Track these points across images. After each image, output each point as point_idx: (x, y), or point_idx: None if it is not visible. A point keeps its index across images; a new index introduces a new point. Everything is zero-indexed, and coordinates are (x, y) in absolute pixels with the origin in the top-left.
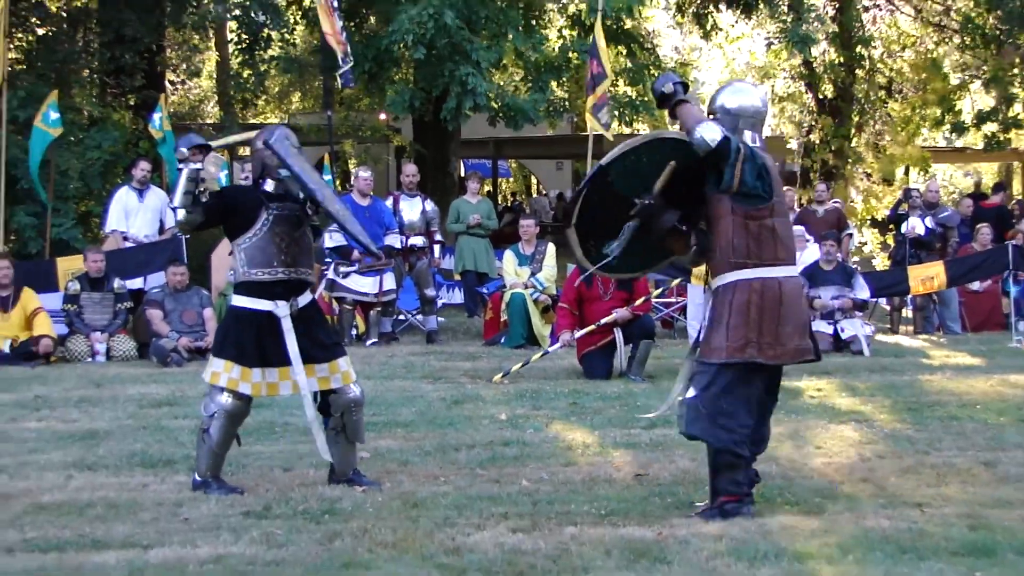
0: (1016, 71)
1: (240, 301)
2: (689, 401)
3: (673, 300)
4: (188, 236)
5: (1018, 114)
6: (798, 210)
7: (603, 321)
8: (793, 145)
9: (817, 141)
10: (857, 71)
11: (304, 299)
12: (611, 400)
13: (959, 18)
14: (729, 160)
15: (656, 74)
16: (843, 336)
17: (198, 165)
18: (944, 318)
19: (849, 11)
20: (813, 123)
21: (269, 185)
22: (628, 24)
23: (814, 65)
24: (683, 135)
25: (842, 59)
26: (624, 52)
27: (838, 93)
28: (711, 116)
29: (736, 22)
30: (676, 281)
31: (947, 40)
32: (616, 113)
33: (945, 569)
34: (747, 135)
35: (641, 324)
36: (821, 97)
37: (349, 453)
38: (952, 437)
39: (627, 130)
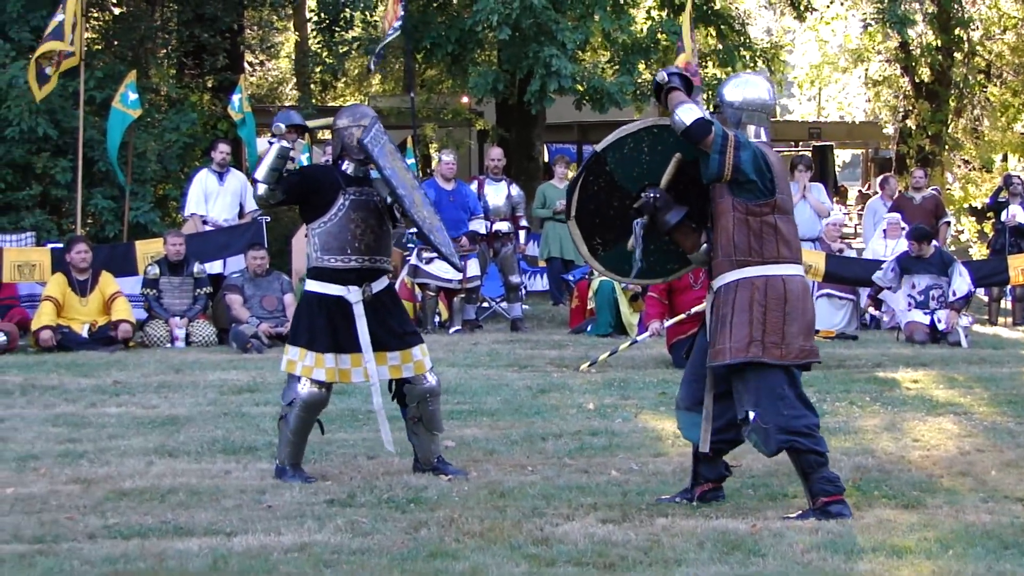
0: None
1: (312, 286)
2: (753, 424)
3: None
4: (268, 219)
5: None
6: (895, 198)
7: (693, 310)
8: (889, 130)
9: (913, 127)
10: (955, 54)
11: (379, 285)
12: None
13: None
14: (716, 146)
15: (747, 55)
16: (939, 327)
17: (290, 144)
18: None
19: None
20: (909, 108)
21: (348, 167)
22: (719, 4)
23: (911, 48)
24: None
25: (940, 42)
26: (714, 33)
27: (935, 77)
28: (715, 110)
29: (831, 3)
30: None
31: None
32: (706, 96)
33: None
34: (751, 129)
35: None
36: (918, 81)
37: (430, 442)
38: None
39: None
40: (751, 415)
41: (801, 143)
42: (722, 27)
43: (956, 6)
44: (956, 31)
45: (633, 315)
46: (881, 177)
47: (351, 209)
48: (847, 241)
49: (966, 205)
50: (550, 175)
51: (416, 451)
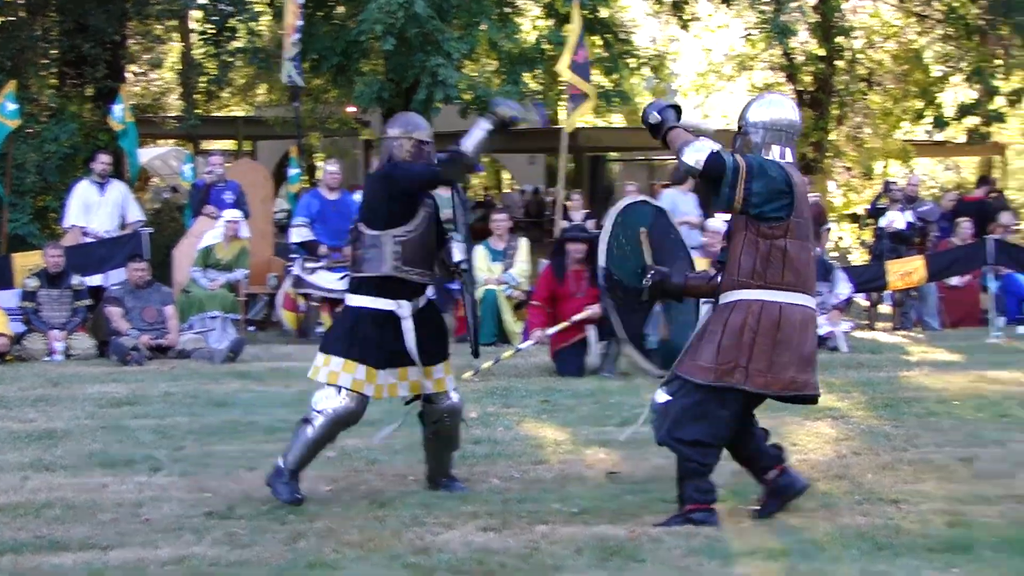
0: (999, 63)
1: (363, 301)
2: (659, 407)
3: None
4: (151, 231)
5: (1000, 107)
6: None
7: (576, 318)
8: None
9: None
10: (837, 62)
11: (423, 300)
12: (584, 397)
13: (942, 8)
14: (726, 180)
15: (631, 64)
16: (820, 333)
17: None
18: (922, 313)
19: (830, 1)
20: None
21: None
22: (604, 13)
23: (793, 56)
24: (631, 199)
25: (822, 50)
26: (600, 42)
27: (818, 85)
28: (739, 130)
29: (715, 12)
30: None
31: (929, 31)
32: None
33: (922, 566)
34: (775, 149)
35: None
36: (800, 89)
37: (446, 459)
38: (929, 433)
39: (601, 122)
40: (663, 397)
41: None
42: (607, 36)
43: (838, 15)
44: (838, 40)
45: (517, 323)
46: None
47: (427, 221)
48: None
49: (847, 212)
50: None
51: (428, 465)
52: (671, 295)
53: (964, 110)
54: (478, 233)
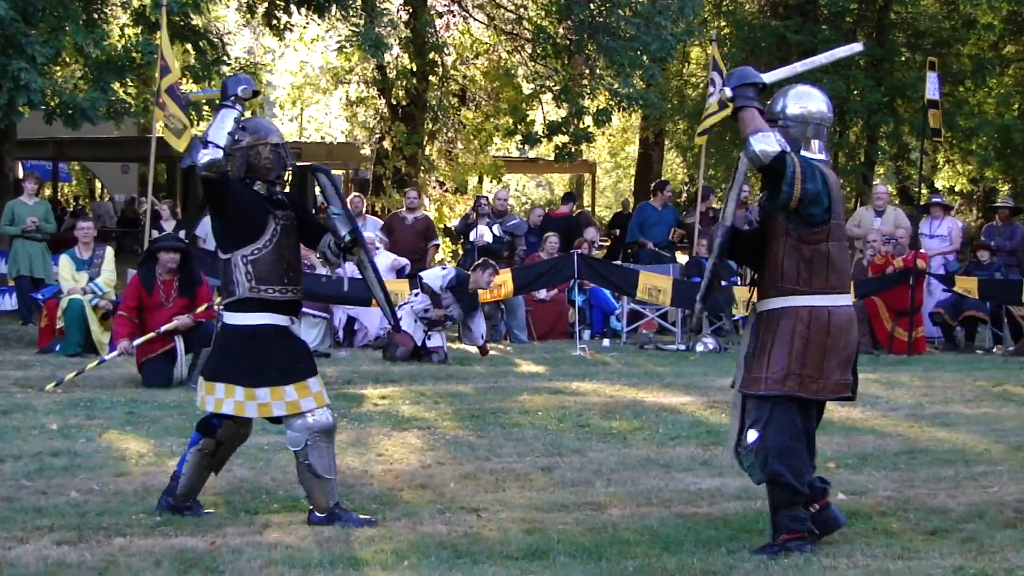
0: (586, 82)
1: (257, 319)
2: (752, 446)
3: None
4: None
5: (588, 127)
6: (387, 218)
7: (163, 328)
8: (366, 151)
9: (390, 148)
10: (430, 77)
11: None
12: (170, 409)
13: (531, 27)
14: (787, 178)
15: (227, 73)
16: (428, 344)
17: (242, 112)
18: (511, 326)
19: (422, 16)
20: (386, 130)
21: (261, 188)
22: (196, 21)
23: (387, 70)
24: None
25: (415, 65)
26: (191, 49)
27: (411, 99)
28: (775, 123)
29: (308, 23)
30: None
31: (520, 49)
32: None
33: (499, 572)
34: (815, 144)
35: (203, 331)
36: (394, 103)
37: (205, 478)
38: (513, 443)
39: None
40: (753, 435)
41: None
42: (200, 43)
43: (430, 31)
44: (431, 55)
45: (104, 334)
46: (353, 195)
47: (283, 235)
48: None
49: (441, 226)
50: (20, 191)
51: (182, 484)
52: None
53: (553, 128)
54: (68, 243)
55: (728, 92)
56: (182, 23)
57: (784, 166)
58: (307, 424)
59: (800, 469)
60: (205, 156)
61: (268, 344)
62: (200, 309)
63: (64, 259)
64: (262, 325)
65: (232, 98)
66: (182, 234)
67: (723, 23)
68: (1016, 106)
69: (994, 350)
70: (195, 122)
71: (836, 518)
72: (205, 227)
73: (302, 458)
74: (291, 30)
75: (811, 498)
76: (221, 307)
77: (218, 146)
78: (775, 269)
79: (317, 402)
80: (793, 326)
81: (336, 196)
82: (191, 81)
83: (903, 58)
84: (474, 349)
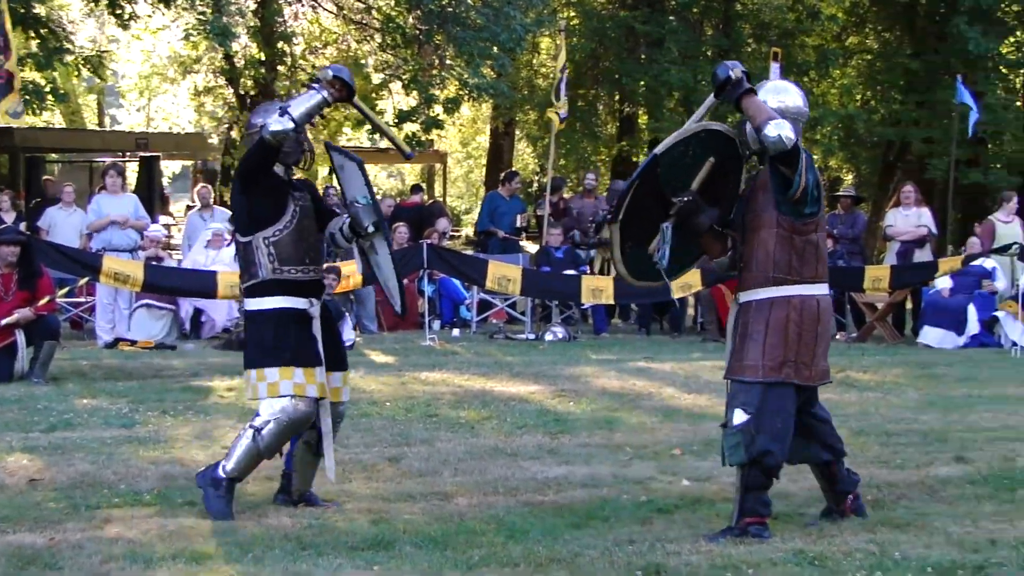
0: (436, 72)
1: (275, 302)
2: (740, 427)
3: (82, 300)
4: None
5: (438, 115)
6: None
7: (4, 322)
8: (214, 142)
9: (238, 138)
10: (279, 67)
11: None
12: (10, 403)
13: (380, 17)
14: (798, 167)
15: (70, 62)
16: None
17: (330, 99)
18: (360, 317)
19: (270, 6)
20: (235, 119)
21: (279, 170)
22: (40, 10)
23: (235, 60)
24: (729, 129)
25: (264, 55)
26: (33, 36)
27: (260, 89)
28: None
29: (153, 13)
30: (84, 281)
31: (369, 39)
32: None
33: (344, 563)
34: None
35: (45, 325)
36: (243, 93)
37: (313, 469)
38: (360, 434)
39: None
40: (742, 416)
41: (128, 153)
42: (41, 31)
43: (279, 20)
44: (279, 45)
45: None
46: (201, 186)
47: (302, 216)
48: (169, 252)
49: None
50: None
51: (295, 480)
52: (689, 229)
53: (403, 117)
54: None
55: (739, 71)
56: (23, 10)
57: (798, 155)
58: (284, 406)
59: (785, 455)
60: (279, 124)
61: (296, 326)
62: (41, 302)
63: None
64: (288, 308)
65: (319, 81)
66: (23, 226)
67: (572, 14)
68: (859, 97)
69: (837, 336)
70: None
71: (862, 510)
72: (48, 218)
73: (257, 423)
74: (136, 19)
75: (844, 490)
76: (242, 291)
77: (294, 119)
78: (766, 259)
79: (316, 391)
80: (787, 315)
81: (365, 185)
82: (33, 68)
83: (749, 49)
84: None
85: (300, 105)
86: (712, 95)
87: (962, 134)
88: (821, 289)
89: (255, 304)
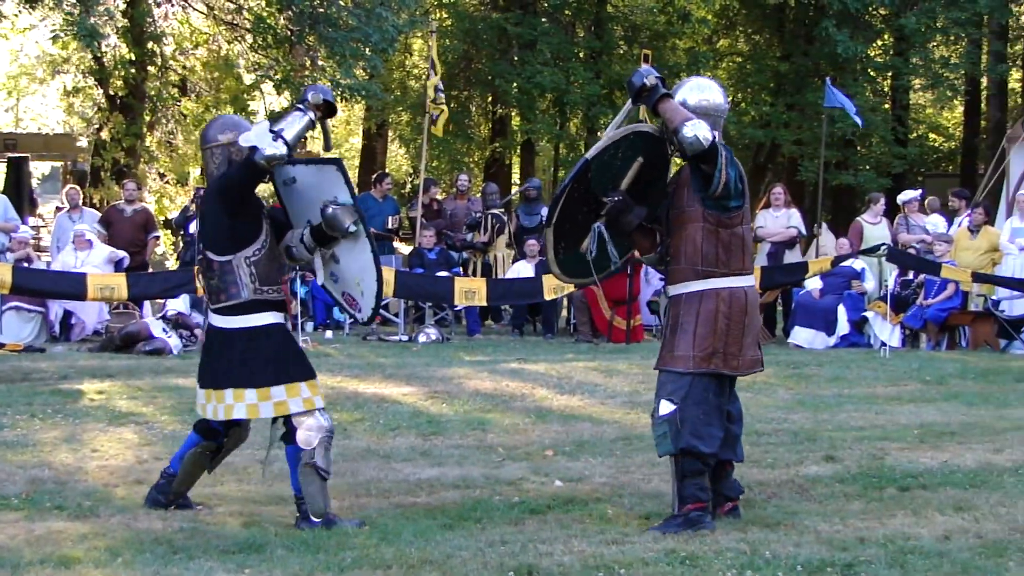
0: (307, 72)
1: (263, 318)
2: (667, 416)
3: None
4: None
5: None
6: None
7: None
8: (83, 143)
9: (108, 139)
10: (149, 68)
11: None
12: None
13: (251, 18)
14: (717, 163)
15: None
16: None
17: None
18: None
19: (140, 6)
20: (104, 120)
21: None
22: None
23: (104, 60)
24: (656, 130)
25: (133, 55)
26: None
27: (130, 90)
28: None
29: (19, 12)
30: None
31: (240, 39)
32: None
33: (215, 567)
34: (715, 135)
35: None
36: (113, 93)
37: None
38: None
39: None
40: (668, 407)
41: None
42: None
43: (149, 20)
44: (149, 45)
45: None
46: (70, 187)
47: (272, 233)
48: (39, 253)
49: (161, 218)
50: None
51: (175, 481)
52: (619, 228)
53: (274, 118)
54: None
55: (654, 78)
56: None
57: (717, 153)
58: (319, 423)
59: (714, 437)
60: (273, 149)
61: (283, 342)
62: None
63: None
64: (272, 324)
65: (305, 103)
66: None
67: (444, 15)
68: (730, 98)
69: None
70: None
71: (738, 516)
72: None
73: (308, 458)
74: (3, 19)
75: (727, 495)
76: (215, 310)
77: (287, 143)
78: (694, 253)
79: (322, 401)
80: (715, 307)
81: (346, 185)
82: None
83: (621, 51)
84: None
85: (291, 128)
86: (629, 101)
87: (854, 127)
88: (748, 281)
89: (240, 322)
